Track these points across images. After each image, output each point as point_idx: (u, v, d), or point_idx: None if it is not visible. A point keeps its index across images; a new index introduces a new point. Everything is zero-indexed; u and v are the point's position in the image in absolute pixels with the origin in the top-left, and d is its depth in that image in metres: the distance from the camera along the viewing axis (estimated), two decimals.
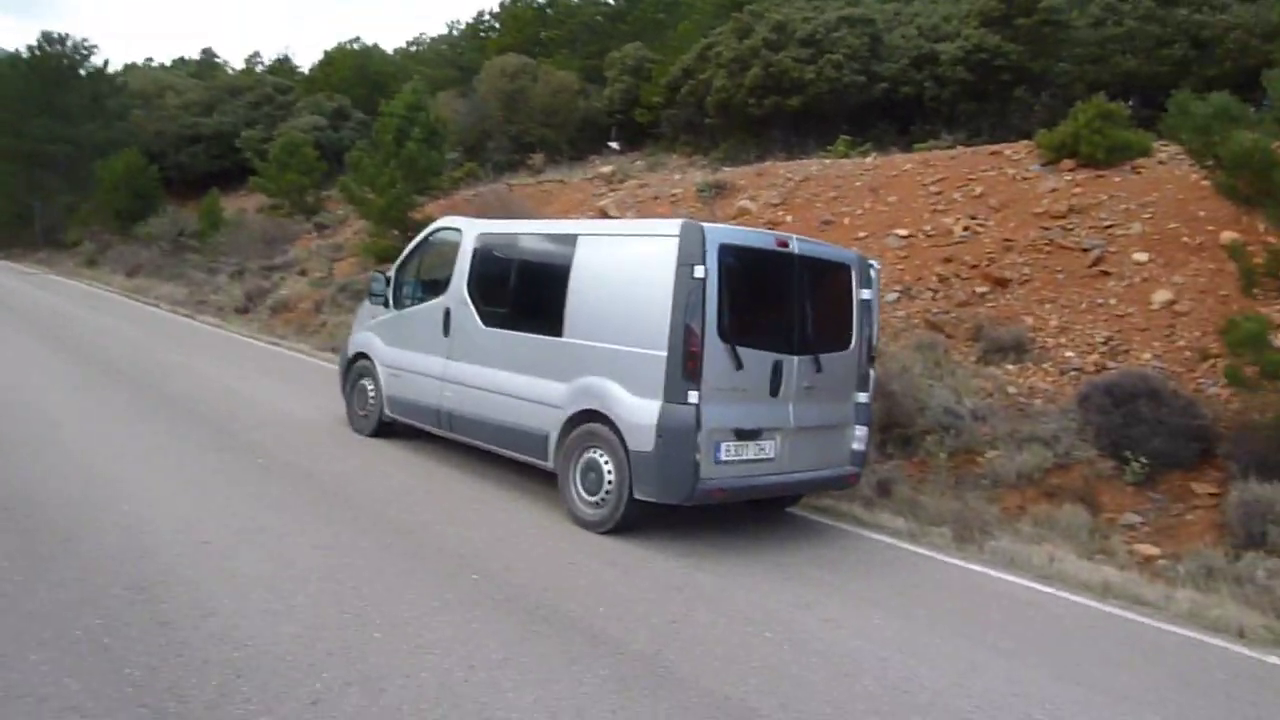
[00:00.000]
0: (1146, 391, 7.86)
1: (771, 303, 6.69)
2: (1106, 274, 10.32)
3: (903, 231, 12.35)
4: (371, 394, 8.62)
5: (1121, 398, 7.90)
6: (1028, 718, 4.15)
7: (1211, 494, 7.42)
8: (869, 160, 15.78)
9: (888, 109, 19.55)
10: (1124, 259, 10.42)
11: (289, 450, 7.99)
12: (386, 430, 8.57)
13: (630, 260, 6.46)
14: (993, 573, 6.43)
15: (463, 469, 7.83)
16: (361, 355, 8.81)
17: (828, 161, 16.38)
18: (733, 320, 6.08)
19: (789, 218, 14.06)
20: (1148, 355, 9.03)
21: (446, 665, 4.08)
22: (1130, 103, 13.61)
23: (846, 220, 13.30)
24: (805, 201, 14.55)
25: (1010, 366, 9.54)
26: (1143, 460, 7.57)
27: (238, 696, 3.64)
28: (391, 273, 8.68)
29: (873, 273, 7.05)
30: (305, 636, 4.27)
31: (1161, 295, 9.63)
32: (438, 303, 7.90)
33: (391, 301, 8.58)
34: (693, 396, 5.92)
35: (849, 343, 6.87)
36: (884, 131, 18.82)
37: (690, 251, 5.94)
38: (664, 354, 5.95)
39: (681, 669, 4.29)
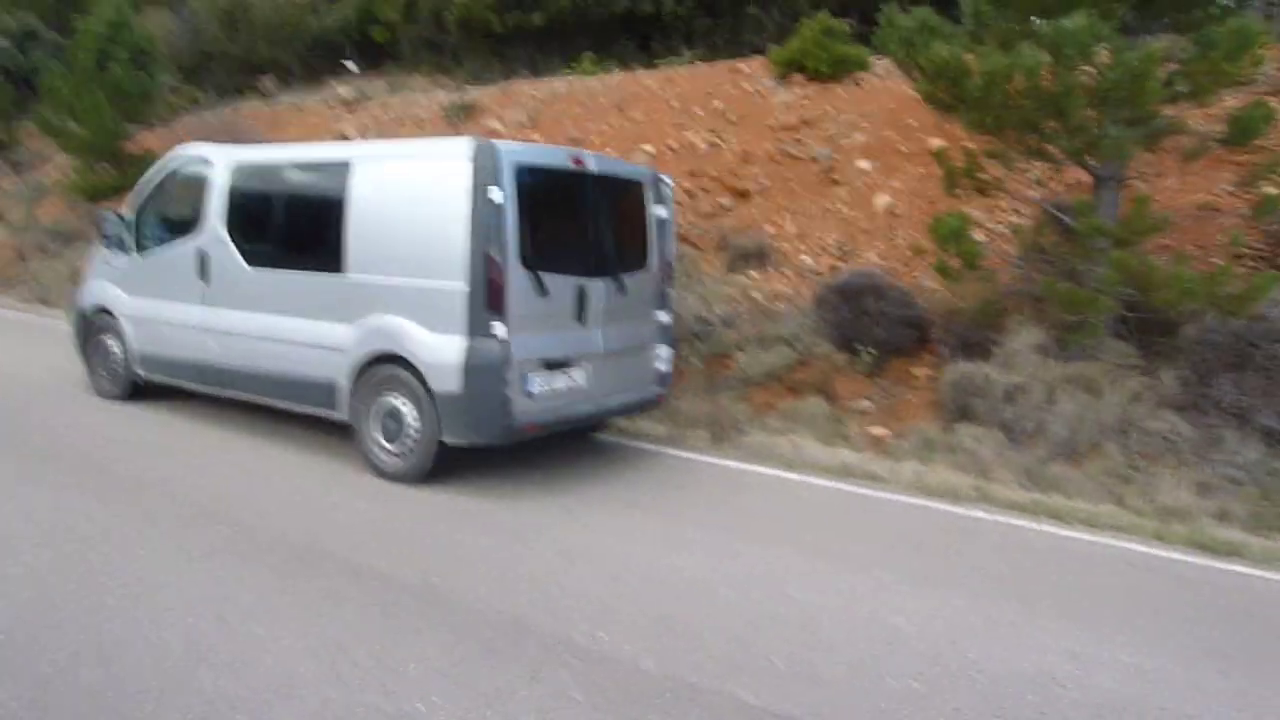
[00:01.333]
0: (871, 288, 8.57)
1: (570, 224, 6.50)
2: (835, 182, 11.04)
3: (649, 147, 12.58)
4: (118, 352, 7.80)
5: (850, 295, 8.56)
6: (782, 594, 4.52)
7: (929, 375, 8.26)
8: (614, 78, 15.85)
9: (629, 25, 19.64)
10: (849, 167, 11.19)
11: (19, 417, 7.19)
12: (140, 392, 7.83)
13: (416, 185, 5.97)
14: (746, 466, 6.89)
15: (219, 423, 7.38)
16: (102, 309, 7.90)
17: (574, 80, 16.30)
18: (533, 245, 5.83)
19: (537, 136, 13.93)
20: (872, 255, 9.82)
21: (192, 621, 3.87)
22: (850, 20, 14.39)
23: (595, 139, 13.36)
24: (553, 120, 14.46)
25: (754, 273, 10.06)
26: (870, 351, 8.28)
27: None
28: (127, 212, 7.76)
29: (666, 189, 7.02)
30: (39, 604, 3.94)
31: (882, 199, 10.46)
32: (190, 244, 7.15)
33: (132, 245, 7.69)
34: (499, 329, 5.66)
35: (648, 262, 6.86)
36: (626, 48, 18.91)
37: (485, 173, 5.58)
38: (464, 286, 5.61)
39: (449, 592, 4.31)
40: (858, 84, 12.83)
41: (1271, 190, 7.95)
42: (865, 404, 8.16)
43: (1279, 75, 7.40)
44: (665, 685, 3.56)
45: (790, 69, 13.28)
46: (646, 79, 15.02)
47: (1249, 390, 6.93)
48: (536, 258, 5.87)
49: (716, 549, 5.09)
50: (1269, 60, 7.40)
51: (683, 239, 10.97)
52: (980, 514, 6.05)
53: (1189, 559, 5.42)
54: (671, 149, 12.52)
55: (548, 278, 5.96)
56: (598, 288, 6.37)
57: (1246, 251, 8.08)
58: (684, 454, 7.13)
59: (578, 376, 6.28)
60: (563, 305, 6.13)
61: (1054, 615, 4.46)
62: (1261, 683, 3.90)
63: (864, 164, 11.11)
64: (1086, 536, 5.71)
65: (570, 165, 6.31)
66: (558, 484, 6.15)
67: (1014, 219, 9.47)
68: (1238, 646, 4.25)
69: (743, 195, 11.35)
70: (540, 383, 5.99)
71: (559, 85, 15.94)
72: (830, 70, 12.90)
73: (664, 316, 7.05)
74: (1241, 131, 7.02)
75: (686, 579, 4.65)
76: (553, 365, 6.08)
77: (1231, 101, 7.81)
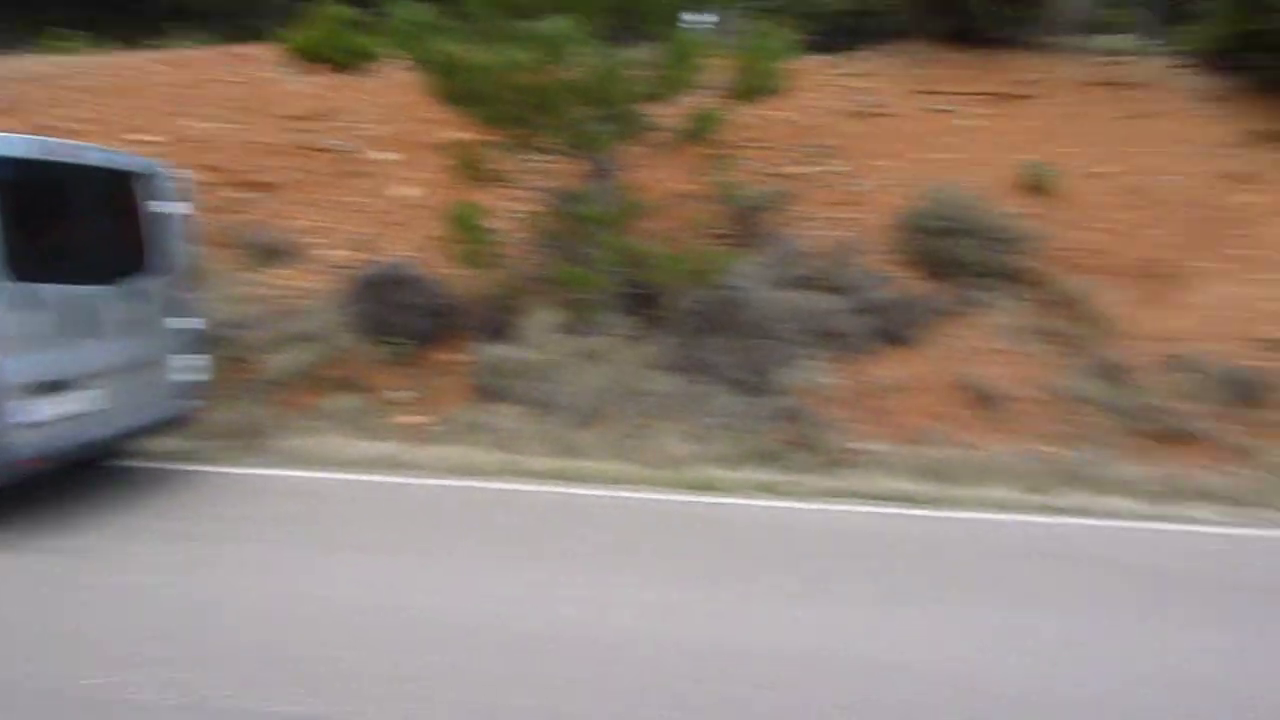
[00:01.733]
0: (399, 279, 8.67)
1: (60, 226, 5.69)
2: (358, 174, 10.93)
3: (147, 136, 11.40)
4: None
5: (379, 287, 8.59)
6: (311, 596, 4.46)
7: (463, 361, 8.56)
8: (103, 58, 14.10)
9: (120, 2, 17.59)
10: (374, 159, 11.14)
11: None
12: None
13: None
14: (279, 472, 6.66)
15: None
16: None
17: (51, 59, 14.22)
18: (18, 251, 5.01)
19: (2, 122, 12.00)
20: (400, 246, 9.89)
21: None
22: (368, 10, 14.24)
23: (84, 126, 11.79)
24: (28, 106, 12.48)
25: (279, 270, 9.63)
26: (404, 341, 8.38)
27: None
28: None
29: (174, 183, 6.38)
30: None
31: (407, 191, 10.58)
32: None
33: None
34: None
35: (161, 264, 6.20)
36: (116, 26, 16.93)
37: None
38: None
39: None
40: (377, 75, 12.79)
41: (727, 179, 9.38)
42: (402, 394, 8.25)
43: (732, 82, 8.66)
44: (186, 715, 3.36)
45: (306, 58, 12.85)
46: (142, 61, 13.59)
47: (723, 350, 8.18)
48: (19, 265, 5.09)
49: (243, 564, 4.88)
50: (724, 69, 8.64)
51: (198, 236, 10.18)
52: (512, 486, 6.47)
53: (682, 498, 6.30)
54: (176, 139, 11.49)
55: (36, 288, 5.21)
56: (103, 296, 5.74)
57: (729, 232, 9.46)
58: (210, 469, 6.69)
59: (87, 398, 5.58)
60: (61, 318, 5.40)
61: (567, 568, 4.93)
62: (727, 591, 4.68)
63: (386, 155, 11.14)
64: (601, 492, 6.38)
65: (50, 157, 5.54)
66: (67, 523, 5.43)
67: (531, 207, 10.12)
68: (721, 566, 5.04)
69: (261, 188, 10.79)
70: (40, 409, 5.22)
71: (31, 65, 13.81)
72: (346, 61, 12.71)
73: (189, 323, 6.51)
74: (699, 128, 8.20)
75: (207, 601, 4.39)
76: (54, 388, 5.34)
77: (703, 101, 9.05)
